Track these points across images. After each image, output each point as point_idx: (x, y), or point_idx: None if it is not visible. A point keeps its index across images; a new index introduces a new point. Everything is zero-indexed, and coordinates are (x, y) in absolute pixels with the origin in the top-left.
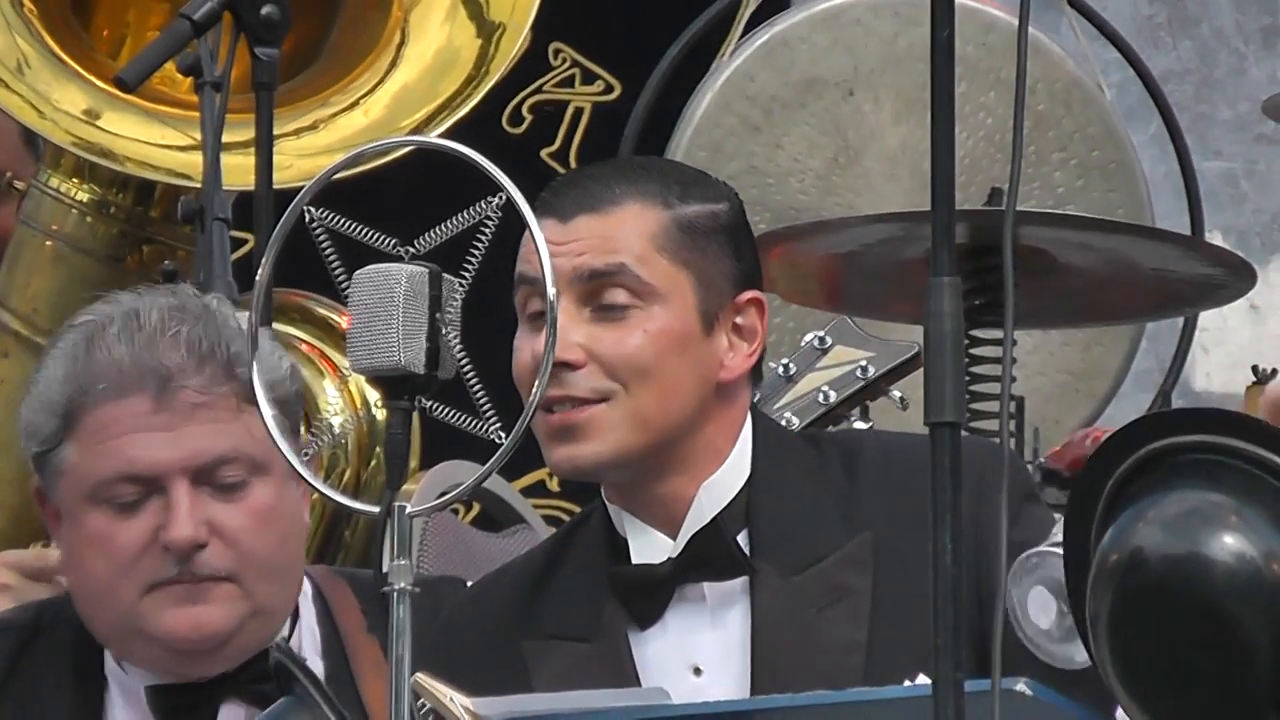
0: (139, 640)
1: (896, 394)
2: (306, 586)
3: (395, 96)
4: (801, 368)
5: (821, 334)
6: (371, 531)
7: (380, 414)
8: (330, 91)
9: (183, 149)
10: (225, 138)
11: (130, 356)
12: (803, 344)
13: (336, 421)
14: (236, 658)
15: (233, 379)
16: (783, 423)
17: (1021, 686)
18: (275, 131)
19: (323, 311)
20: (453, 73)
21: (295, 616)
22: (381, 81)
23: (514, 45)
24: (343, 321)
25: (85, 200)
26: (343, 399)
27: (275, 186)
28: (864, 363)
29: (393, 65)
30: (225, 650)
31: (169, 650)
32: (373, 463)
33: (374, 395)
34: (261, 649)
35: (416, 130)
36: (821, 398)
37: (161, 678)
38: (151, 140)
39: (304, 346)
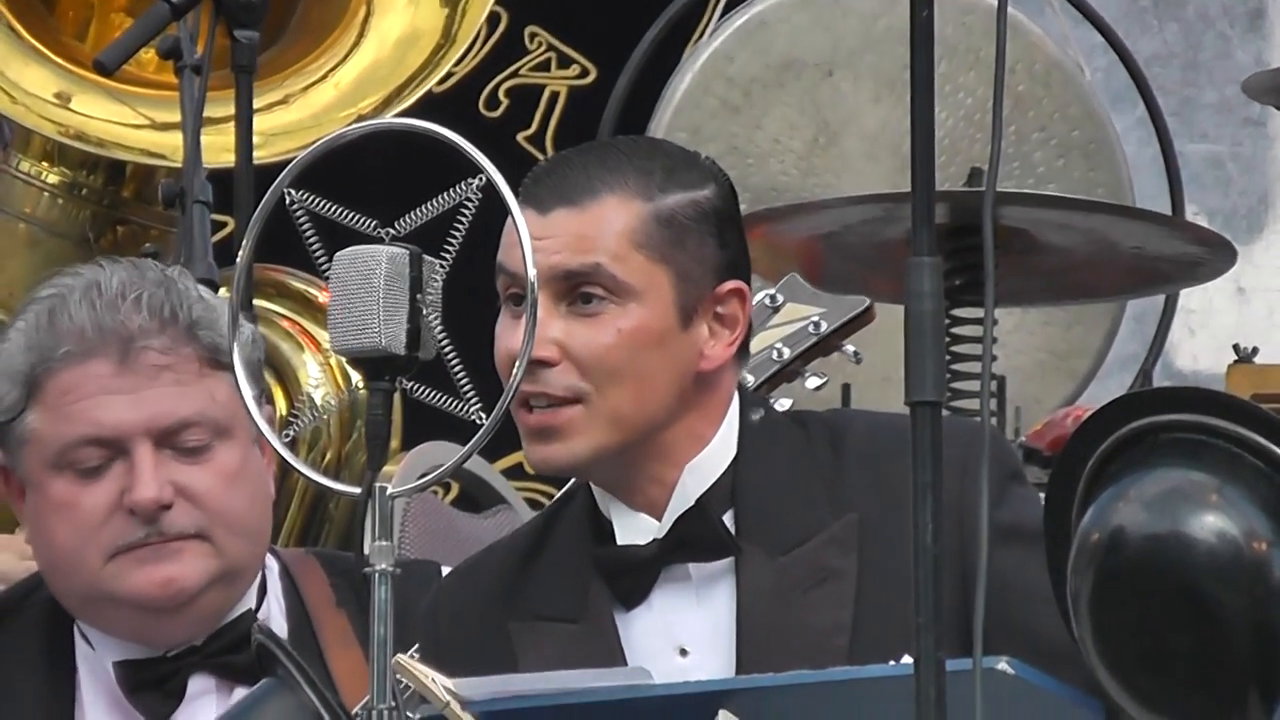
0: (108, 605)
1: (850, 349)
2: (273, 563)
3: (364, 69)
4: (753, 326)
5: (772, 292)
6: (355, 507)
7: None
8: (299, 65)
9: (154, 128)
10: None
11: (92, 321)
12: (754, 303)
13: (318, 395)
14: (204, 621)
15: (194, 342)
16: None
17: (1003, 665)
18: None
19: (300, 285)
20: (420, 44)
21: (263, 589)
22: (350, 54)
23: (480, 14)
24: (321, 295)
25: (56, 183)
26: (324, 373)
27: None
28: (816, 318)
29: (360, 37)
30: (193, 609)
31: (138, 610)
32: (355, 436)
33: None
34: (228, 616)
35: (387, 102)
36: (775, 355)
37: (131, 646)
38: (123, 121)
39: (284, 322)
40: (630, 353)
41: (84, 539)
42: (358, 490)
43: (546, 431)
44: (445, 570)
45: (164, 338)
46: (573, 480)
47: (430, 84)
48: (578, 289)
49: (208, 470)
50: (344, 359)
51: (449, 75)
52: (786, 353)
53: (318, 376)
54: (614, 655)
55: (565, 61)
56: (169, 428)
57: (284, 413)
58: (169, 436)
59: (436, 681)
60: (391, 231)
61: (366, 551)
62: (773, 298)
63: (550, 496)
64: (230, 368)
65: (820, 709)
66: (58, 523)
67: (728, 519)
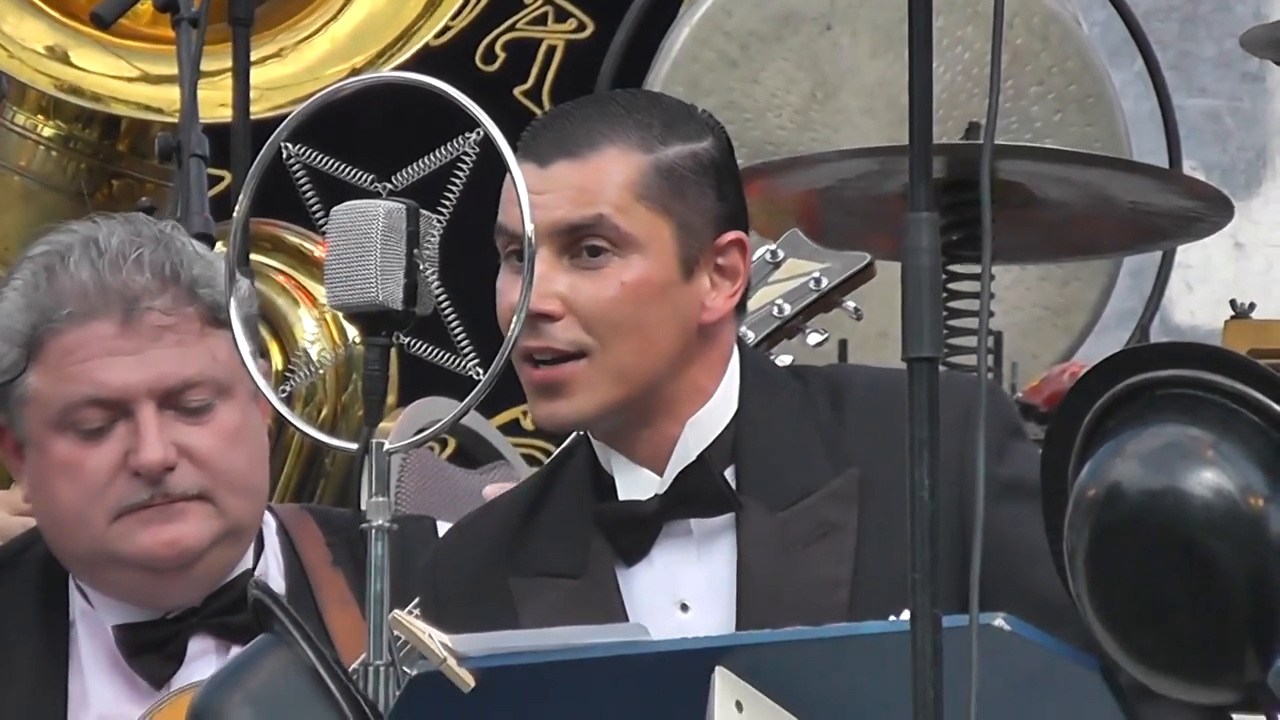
0: (111, 566)
1: (851, 305)
2: (270, 520)
3: (359, 23)
4: (754, 282)
5: (773, 248)
6: (351, 462)
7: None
8: (294, 19)
9: (150, 82)
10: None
11: (94, 280)
12: (754, 259)
13: (314, 350)
14: (206, 582)
15: (195, 301)
16: None
17: (1000, 621)
18: None
19: (295, 240)
20: None
21: (260, 547)
22: (344, 8)
23: None
24: (316, 250)
25: (51, 136)
26: (320, 328)
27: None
28: (817, 274)
29: None
30: (197, 569)
31: (143, 571)
32: (350, 390)
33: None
34: (227, 576)
35: (381, 56)
36: (776, 311)
37: (132, 607)
38: (119, 74)
39: (279, 277)
40: (633, 305)
41: (88, 499)
42: (355, 446)
43: (551, 387)
44: (440, 526)
45: (166, 298)
46: (572, 436)
47: (425, 38)
48: (581, 242)
49: (210, 430)
50: (341, 314)
51: (446, 29)
52: (787, 308)
53: (314, 331)
54: (615, 611)
55: (562, 15)
56: (172, 389)
57: (280, 368)
58: (172, 397)
59: (433, 637)
60: (389, 186)
61: (364, 507)
62: (773, 253)
63: (547, 453)
64: (230, 325)
65: (817, 665)
66: (61, 483)
67: (729, 474)
